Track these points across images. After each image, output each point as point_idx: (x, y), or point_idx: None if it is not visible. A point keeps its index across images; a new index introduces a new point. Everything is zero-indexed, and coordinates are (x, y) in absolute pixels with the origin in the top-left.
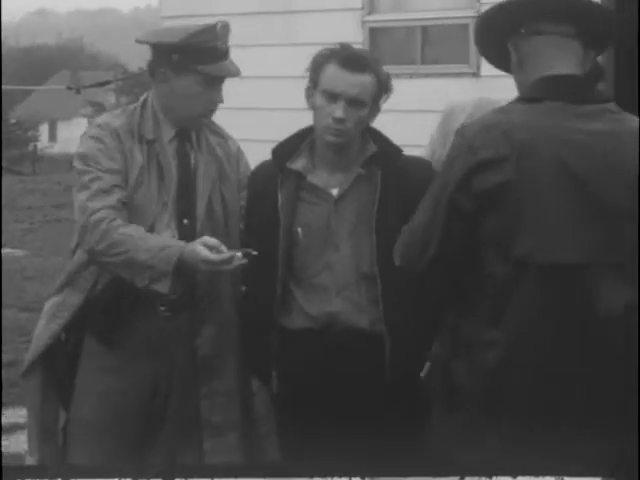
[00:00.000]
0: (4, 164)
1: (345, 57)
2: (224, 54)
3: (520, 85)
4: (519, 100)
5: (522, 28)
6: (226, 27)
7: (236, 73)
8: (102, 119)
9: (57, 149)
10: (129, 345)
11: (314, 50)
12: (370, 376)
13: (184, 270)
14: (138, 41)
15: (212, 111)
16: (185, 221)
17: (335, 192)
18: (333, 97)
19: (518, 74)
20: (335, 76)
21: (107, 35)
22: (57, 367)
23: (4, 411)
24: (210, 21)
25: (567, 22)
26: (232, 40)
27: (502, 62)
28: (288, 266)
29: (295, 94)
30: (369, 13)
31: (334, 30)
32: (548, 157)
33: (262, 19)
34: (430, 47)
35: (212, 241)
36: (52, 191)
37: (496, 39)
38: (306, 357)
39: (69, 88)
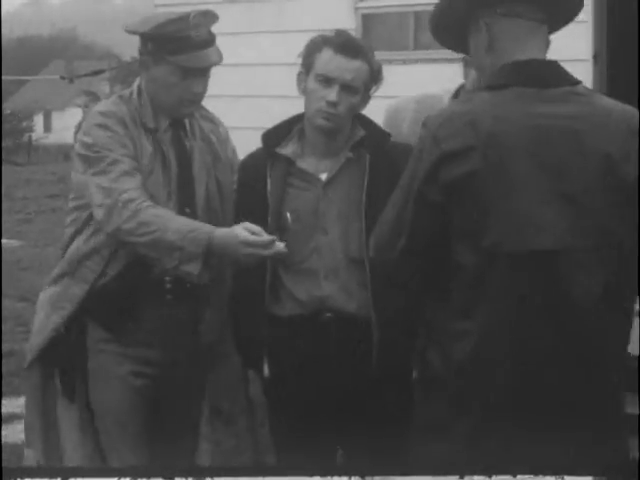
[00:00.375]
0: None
1: (341, 43)
2: (201, 44)
3: (487, 68)
4: (484, 87)
5: (499, 8)
6: (203, 16)
7: (211, 63)
8: (103, 107)
9: (52, 139)
10: (136, 333)
11: (306, 37)
12: (359, 362)
13: (215, 253)
14: (127, 29)
15: (192, 102)
16: (187, 210)
17: (324, 177)
18: (327, 81)
19: (485, 56)
20: (330, 61)
21: (101, 25)
22: (60, 358)
23: (3, 401)
24: (201, 9)
25: (540, 7)
26: (224, 28)
27: (459, 43)
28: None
29: (287, 81)
30: None
31: (326, 16)
32: (515, 145)
33: (254, 6)
34: (422, 33)
35: (253, 226)
36: (47, 181)
37: (464, 18)
38: (296, 343)
39: (62, 78)
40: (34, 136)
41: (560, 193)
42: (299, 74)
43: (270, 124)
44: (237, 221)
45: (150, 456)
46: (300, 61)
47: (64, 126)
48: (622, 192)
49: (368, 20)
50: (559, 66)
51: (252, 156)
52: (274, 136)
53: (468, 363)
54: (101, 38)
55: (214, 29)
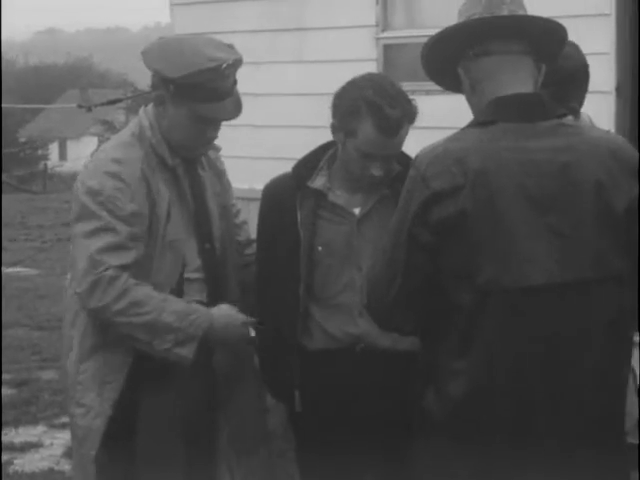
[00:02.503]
0: (14, 182)
1: (381, 119)
2: (225, 94)
3: (474, 108)
4: (471, 125)
5: (470, 50)
6: (234, 66)
7: (230, 117)
8: (116, 152)
9: (67, 167)
10: (178, 384)
11: (328, 67)
12: (393, 395)
13: (212, 335)
14: (144, 59)
15: (205, 145)
16: (207, 245)
17: (357, 211)
18: (370, 156)
19: (471, 97)
20: (372, 140)
21: (116, 53)
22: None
23: (19, 429)
24: (233, 58)
25: (515, 39)
26: (246, 57)
27: (453, 85)
28: (308, 284)
29: (308, 111)
30: (383, 30)
31: (348, 47)
32: (504, 181)
33: (274, 36)
34: None
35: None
36: (63, 209)
37: (445, 64)
38: (328, 377)
39: (80, 107)
40: (49, 164)
41: (551, 227)
42: (334, 127)
43: (293, 154)
44: (262, 254)
45: None
46: (338, 116)
47: (79, 155)
48: (614, 223)
49: (389, 51)
50: (543, 98)
51: (277, 185)
52: (304, 168)
53: (464, 403)
54: (116, 66)
55: None
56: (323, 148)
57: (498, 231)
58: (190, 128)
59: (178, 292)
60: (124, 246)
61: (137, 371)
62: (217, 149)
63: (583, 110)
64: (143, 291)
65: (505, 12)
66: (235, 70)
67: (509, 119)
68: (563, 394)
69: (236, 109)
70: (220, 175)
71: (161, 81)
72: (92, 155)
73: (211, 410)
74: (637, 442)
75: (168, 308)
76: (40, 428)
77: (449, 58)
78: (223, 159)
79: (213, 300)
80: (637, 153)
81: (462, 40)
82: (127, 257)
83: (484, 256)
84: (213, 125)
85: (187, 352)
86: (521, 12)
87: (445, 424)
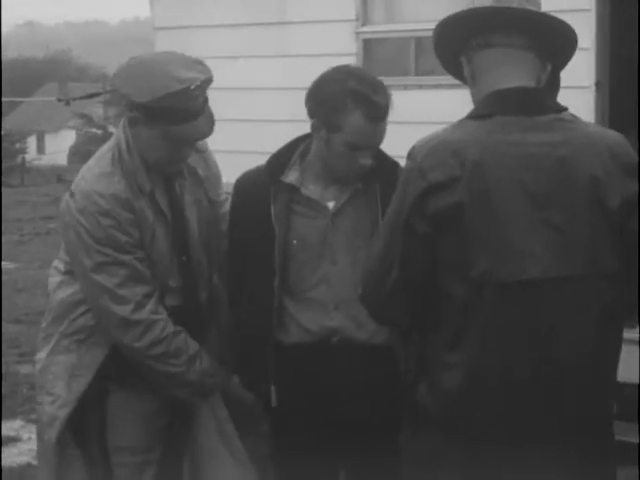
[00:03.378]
0: None
1: (370, 108)
2: (196, 113)
3: (473, 99)
4: (469, 117)
5: (474, 41)
6: (202, 85)
7: (203, 136)
8: (98, 184)
9: (45, 161)
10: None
11: (308, 61)
12: (367, 388)
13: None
14: (114, 83)
15: (179, 163)
16: (184, 258)
17: (331, 205)
18: (358, 147)
19: (472, 87)
20: (362, 130)
21: (95, 47)
22: (80, 422)
23: None
24: (201, 78)
25: (519, 33)
26: (224, 52)
27: (460, 74)
28: (283, 278)
29: (288, 105)
30: (363, 24)
31: (327, 41)
32: (501, 175)
33: (254, 30)
34: (424, 58)
35: None
36: (41, 203)
37: (450, 52)
38: (304, 371)
39: (59, 100)
40: (27, 158)
41: (547, 222)
42: (316, 126)
43: (274, 148)
44: (234, 247)
45: None
46: (321, 113)
47: (57, 148)
48: (608, 219)
49: (369, 45)
50: (543, 93)
51: (250, 180)
52: (277, 164)
53: (456, 396)
54: (95, 60)
55: (215, 51)
56: (295, 142)
57: (494, 224)
58: (164, 149)
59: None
60: (137, 274)
61: (106, 370)
62: (200, 151)
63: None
64: (178, 343)
65: (515, 4)
66: (204, 89)
67: (507, 112)
68: (555, 386)
69: (209, 126)
70: (201, 182)
71: (135, 107)
72: (75, 181)
73: (188, 423)
74: (636, 441)
75: (194, 367)
76: (18, 422)
77: (454, 46)
78: None
79: (188, 305)
80: (633, 150)
81: (467, 29)
82: (145, 286)
83: (479, 248)
84: (186, 144)
85: (197, 400)
86: (531, 6)
87: (438, 416)
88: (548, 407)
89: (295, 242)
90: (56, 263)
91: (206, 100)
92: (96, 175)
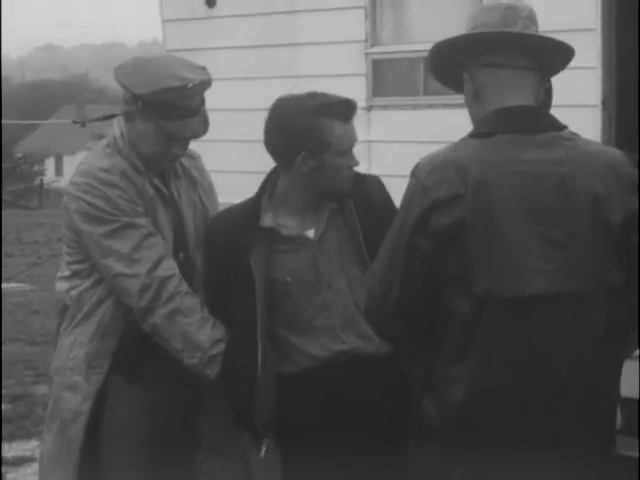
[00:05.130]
0: (10, 198)
1: (342, 111)
2: (190, 112)
3: (475, 116)
4: (471, 135)
5: (480, 59)
6: (200, 86)
7: (195, 135)
8: (101, 162)
9: (63, 183)
10: (154, 378)
11: (317, 82)
12: (376, 399)
13: None
14: (116, 75)
15: (171, 160)
16: (181, 255)
17: (311, 234)
18: (346, 151)
19: (473, 105)
20: (346, 133)
21: (112, 69)
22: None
23: (12, 444)
24: (200, 78)
25: (524, 56)
26: (234, 73)
27: (457, 85)
28: (274, 316)
29: None
30: (372, 45)
31: (337, 62)
32: (503, 192)
33: (264, 52)
34: (432, 78)
35: None
36: (58, 225)
37: (452, 67)
38: (312, 394)
39: (75, 122)
40: (45, 180)
41: (549, 238)
42: (303, 157)
43: None
44: (214, 294)
45: None
46: (296, 150)
47: None
48: (610, 236)
49: (378, 66)
50: (544, 112)
51: (225, 224)
52: (252, 210)
53: (462, 409)
54: (113, 82)
55: (225, 72)
56: (262, 186)
57: (496, 241)
58: (157, 143)
59: None
60: (152, 234)
61: (116, 359)
62: (194, 157)
63: (569, 123)
64: (190, 302)
65: (520, 26)
66: (202, 90)
67: (509, 130)
68: (559, 400)
69: (202, 127)
70: (195, 183)
71: (130, 97)
72: (72, 173)
73: (190, 416)
74: (637, 455)
75: (205, 328)
76: (33, 442)
77: (458, 60)
78: (217, 174)
79: None
80: (634, 167)
81: (476, 47)
82: (160, 246)
83: (482, 265)
84: (179, 142)
85: (211, 372)
86: (533, 28)
87: (443, 429)
88: (551, 421)
89: (289, 279)
90: (59, 274)
91: (202, 101)
92: (96, 155)
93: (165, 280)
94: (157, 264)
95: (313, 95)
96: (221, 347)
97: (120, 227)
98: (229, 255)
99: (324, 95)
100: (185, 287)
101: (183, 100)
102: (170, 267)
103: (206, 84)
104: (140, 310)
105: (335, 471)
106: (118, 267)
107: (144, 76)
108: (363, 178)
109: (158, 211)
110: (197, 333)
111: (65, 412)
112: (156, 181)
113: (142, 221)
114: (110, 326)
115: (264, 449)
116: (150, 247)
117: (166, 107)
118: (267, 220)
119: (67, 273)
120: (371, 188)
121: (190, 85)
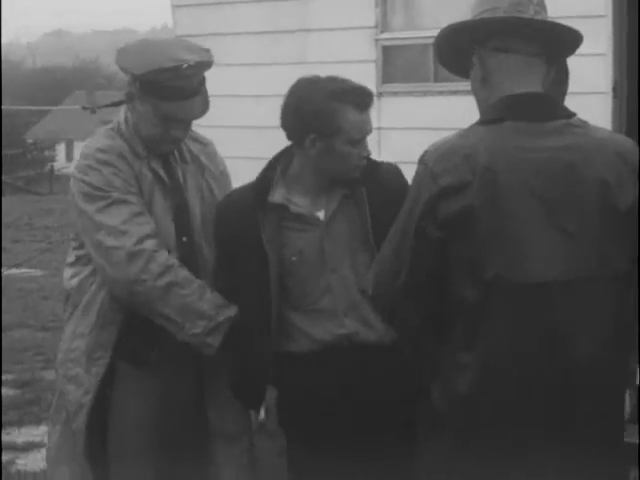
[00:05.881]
0: (21, 184)
1: (358, 99)
2: (188, 94)
3: (482, 101)
4: (480, 122)
5: (491, 43)
6: (196, 67)
7: (193, 116)
8: (100, 142)
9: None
10: (160, 363)
11: (328, 68)
12: (382, 388)
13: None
14: (117, 57)
15: (171, 143)
16: (184, 239)
17: (322, 215)
18: (358, 141)
19: (481, 89)
20: (360, 122)
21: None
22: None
23: (22, 430)
24: (195, 59)
25: (534, 42)
26: (245, 59)
27: (462, 71)
28: (282, 295)
29: None
30: (382, 31)
31: (347, 49)
32: (511, 179)
33: (274, 38)
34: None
35: None
36: (69, 211)
37: (460, 51)
38: (317, 376)
39: (84, 108)
40: (56, 166)
41: (557, 225)
42: (312, 139)
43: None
44: (225, 269)
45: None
46: (307, 129)
47: None
48: (618, 222)
49: (388, 52)
50: (553, 99)
51: (236, 203)
52: (262, 185)
53: (470, 397)
54: None
55: (235, 58)
56: (273, 162)
57: (505, 228)
58: (155, 125)
59: None
60: (142, 213)
61: (120, 349)
62: (204, 143)
63: (580, 110)
64: (184, 273)
65: (531, 11)
66: (198, 71)
67: (517, 118)
68: (569, 387)
69: (201, 109)
70: (203, 169)
71: (131, 79)
72: (80, 153)
73: (198, 402)
74: (637, 442)
75: (206, 295)
76: (43, 428)
77: (467, 45)
78: (225, 160)
79: None
80: None
81: (487, 32)
82: (149, 225)
83: (491, 252)
84: (177, 123)
85: (213, 340)
86: (543, 14)
87: (452, 418)
88: (562, 408)
89: (294, 258)
90: (67, 260)
91: (202, 82)
92: (97, 137)
93: (153, 253)
94: (143, 239)
95: (333, 79)
96: (226, 313)
97: (112, 202)
98: (240, 232)
99: (344, 81)
100: (175, 260)
101: (178, 81)
102: (157, 244)
103: (203, 65)
104: (129, 282)
105: (338, 459)
106: (109, 241)
107: (141, 57)
108: (378, 165)
109: (155, 196)
110: (199, 302)
111: (68, 404)
112: (155, 165)
113: (133, 198)
114: (109, 316)
115: (263, 411)
116: (139, 224)
117: (161, 88)
118: (277, 196)
119: (72, 259)
120: (386, 176)
121: (185, 66)
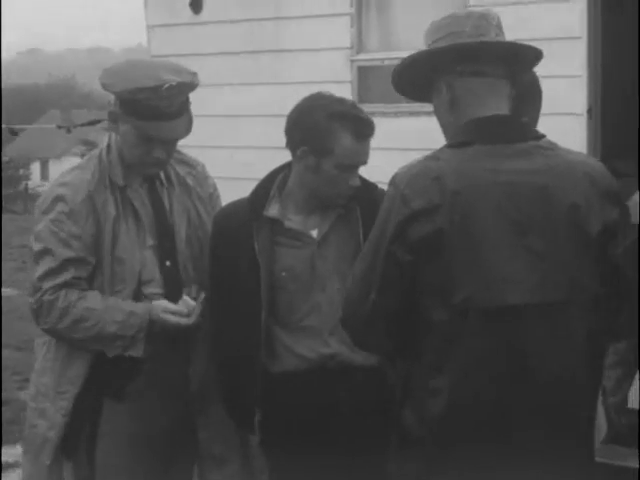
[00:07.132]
0: None
1: (358, 127)
2: (169, 115)
3: (448, 125)
4: (449, 145)
5: (460, 67)
6: (177, 88)
7: (173, 137)
8: (70, 176)
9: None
10: (144, 391)
11: (303, 89)
12: (364, 410)
13: (154, 330)
14: (100, 76)
15: (154, 165)
16: (167, 263)
17: (315, 233)
18: (348, 167)
19: (448, 114)
20: (353, 150)
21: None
22: (76, 440)
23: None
24: (176, 80)
25: (502, 63)
26: (219, 79)
27: (422, 97)
28: (271, 311)
29: (281, 133)
30: (358, 52)
31: (323, 69)
32: (481, 202)
33: (250, 58)
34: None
35: (172, 307)
36: None
37: (424, 77)
38: (299, 396)
39: (59, 127)
40: (30, 184)
41: (528, 248)
42: (305, 153)
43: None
44: (220, 283)
45: None
46: (301, 140)
47: None
48: (588, 245)
49: (364, 73)
50: (521, 121)
51: (230, 216)
52: (258, 198)
53: (442, 420)
54: (98, 87)
55: (210, 78)
56: (271, 175)
57: (475, 250)
58: (136, 146)
59: None
60: (58, 270)
61: (96, 383)
62: (191, 165)
63: (555, 131)
64: (84, 305)
65: (492, 34)
66: (180, 92)
67: (486, 140)
68: (539, 411)
69: (183, 130)
70: (190, 192)
71: (114, 98)
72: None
73: (187, 421)
74: (637, 466)
75: (109, 319)
76: (19, 448)
77: (431, 71)
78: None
79: None
80: (612, 177)
81: (452, 57)
82: (60, 278)
83: (461, 275)
84: (159, 144)
85: (137, 352)
86: (502, 36)
87: (424, 442)
88: (532, 431)
89: (284, 274)
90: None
91: (184, 104)
92: (67, 170)
93: (50, 302)
94: (46, 291)
95: (343, 102)
96: (137, 322)
97: (43, 250)
98: (234, 246)
99: (353, 106)
100: (74, 296)
101: (158, 101)
102: (53, 292)
103: (185, 87)
104: (47, 332)
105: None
106: (30, 290)
107: (124, 76)
108: (374, 188)
109: (119, 230)
110: (108, 326)
111: (37, 438)
112: (134, 193)
113: (60, 252)
114: (74, 353)
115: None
116: (49, 280)
117: (142, 107)
118: (272, 210)
119: None
120: (382, 199)
121: (166, 86)
